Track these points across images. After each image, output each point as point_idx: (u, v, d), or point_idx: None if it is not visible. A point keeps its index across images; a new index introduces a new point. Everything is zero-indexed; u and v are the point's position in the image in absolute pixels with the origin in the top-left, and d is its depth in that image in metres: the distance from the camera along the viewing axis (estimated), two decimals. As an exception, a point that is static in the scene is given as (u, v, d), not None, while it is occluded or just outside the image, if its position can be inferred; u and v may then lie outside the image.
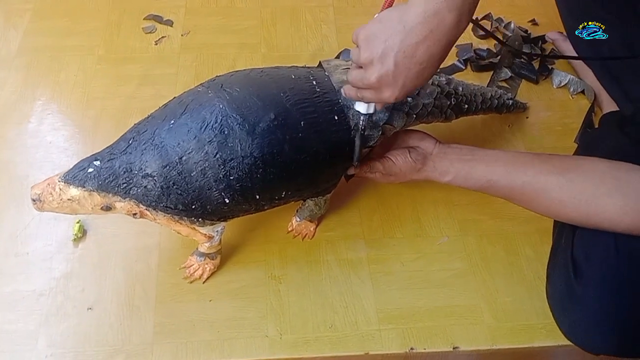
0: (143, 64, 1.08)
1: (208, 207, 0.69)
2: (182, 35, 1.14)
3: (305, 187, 0.75)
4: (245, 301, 0.80)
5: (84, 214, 0.69)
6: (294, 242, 0.86)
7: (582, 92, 1.08)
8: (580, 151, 0.94)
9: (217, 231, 0.76)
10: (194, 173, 0.67)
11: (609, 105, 1.02)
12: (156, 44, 1.12)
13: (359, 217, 0.90)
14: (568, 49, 1.10)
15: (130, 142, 0.68)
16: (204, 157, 0.66)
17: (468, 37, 1.17)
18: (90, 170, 0.66)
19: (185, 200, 0.68)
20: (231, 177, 0.67)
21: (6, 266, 0.82)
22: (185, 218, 0.71)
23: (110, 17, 1.16)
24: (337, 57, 1.10)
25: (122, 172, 0.67)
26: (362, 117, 0.72)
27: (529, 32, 1.17)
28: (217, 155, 0.67)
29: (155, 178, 0.67)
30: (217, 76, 0.74)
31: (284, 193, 0.73)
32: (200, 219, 0.71)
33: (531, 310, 0.81)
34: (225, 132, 0.67)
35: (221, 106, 0.68)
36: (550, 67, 1.12)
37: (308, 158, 0.71)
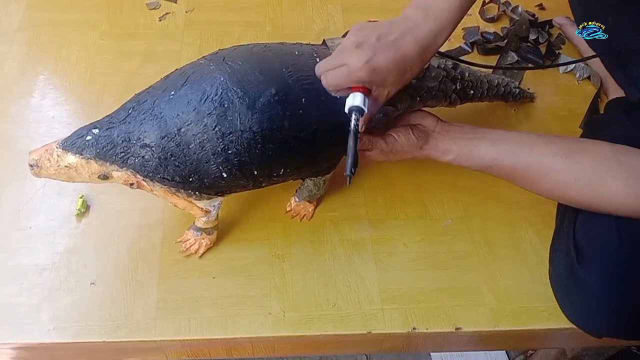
0: (147, 40, 1.07)
1: (205, 180, 0.69)
2: (186, 12, 1.13)
3: (304, 165, 0.75)
4: (249, 279, 0.80)
5: (81, 181, 0.69)
6: (297, 222, 0.86)
7: (588, 77, 1.08)
8: (586, 136, 0.94)
9: (214, 206, 0.75)
10: (192, 145, 0.66)
11: (615, 91, 1.01)
12: (160, 21, 1.11)
13: (363, 197, 0.89)
14: (573, 34, 1.10)
15: (129, 111, 0.68)
16: (202, 129, 0.66)
17: (475, 20, 1.16)
18: (89, 138, 0.66)
19: (183, 172, 0.68)
20: (229, 151, 0.67)
21: (9, 240, 0.81)
22: (182, 191, 0.71)
23: (113, -8, 1.15)
24: (343, 36, 1.09)
25: (120, 142, 0.66)
26: (354, 114, 0.66)
27: (536, 16, 1.16)
28: (216, 129, 0.66)
29: (153, 149, 0.67)
30: (220, 50, 0.74)
31: (282, 170, 0.72)
32: (197, 192, 0.71)
33: (533, 294, 0.81)
34: (225, 105, 0.66)
35: (222, 79, 0.67)
36: (557, 52, 1.12)
37: (308, 135, 0.70)
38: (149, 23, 1.10)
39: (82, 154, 0.66)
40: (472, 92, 0.87)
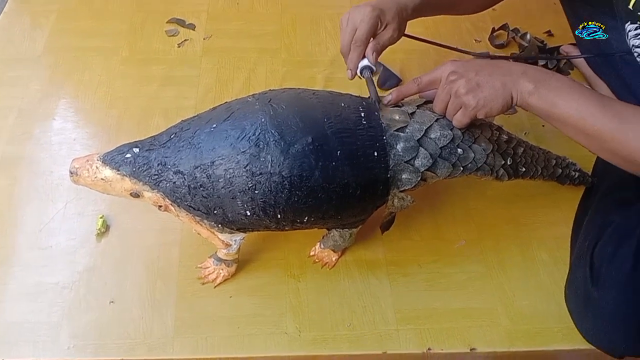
0: (166, 65, 1.11)
1: (229, 215, 0.70)
2: (204, 38, 1.16)
3: (329, 217, 0.73)
4: (265, 298, 0.81)
5: (115, 195, 0.71)
6: (313, 243, 0.87)
7: (598, 102, 1.09)
8: (599, 160, 0.95)
9: (235, 240, 0.76)
10: (222, 180, 0.67)
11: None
12: (179, 47, 1.14)
13: (378, 219, 0.90)
14: (581, 62, 1.12)
15: (171, 137, 0.70)
16: (234, 165, 0.67)
17: (485, 46, 1.18)
18: (128, 155, 0.69)
19: (209, 204, 0.69)
20: (256, 191, 0.68)
21: (30, 259, 0.83)
22: (206, 221, 0.72)
23: (134, 20, 1.19)
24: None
25: (157, 164, 0.69)
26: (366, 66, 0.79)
27: (545, 42, 1.18)
28: (248, 167, 0.67)
29: (185, 176, 0.68)
30: (270, 90, 0.75)
31: (306, 218, 0.72)
32: (219, 225, 0.72)
33: (547, 314, 0.81)
34: (260, 146, 0.67)
35: (263, 120, 0.68)
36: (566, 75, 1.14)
37: (337, 188, 0.70)
38: (167, 49, 1.14)
39: (118, 170, 0.69)
40: (523, 169, 0.83)
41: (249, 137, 0.67)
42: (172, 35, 1.16)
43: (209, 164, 0.67)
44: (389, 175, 0.72)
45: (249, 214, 0.69)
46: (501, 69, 0.73)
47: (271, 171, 0.67)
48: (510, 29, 1.21)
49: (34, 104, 1.02)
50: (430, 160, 0.73)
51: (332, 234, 0.81)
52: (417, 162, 0.73)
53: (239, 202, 0.68)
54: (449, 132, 0.74)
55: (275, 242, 0.87)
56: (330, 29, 1.21)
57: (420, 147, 0.72)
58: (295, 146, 0.67)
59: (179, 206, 0.70)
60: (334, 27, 1.21)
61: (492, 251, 0.88)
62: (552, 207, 0.93)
